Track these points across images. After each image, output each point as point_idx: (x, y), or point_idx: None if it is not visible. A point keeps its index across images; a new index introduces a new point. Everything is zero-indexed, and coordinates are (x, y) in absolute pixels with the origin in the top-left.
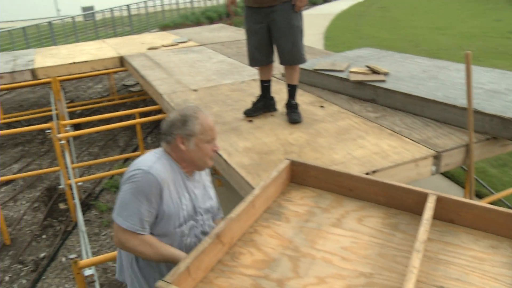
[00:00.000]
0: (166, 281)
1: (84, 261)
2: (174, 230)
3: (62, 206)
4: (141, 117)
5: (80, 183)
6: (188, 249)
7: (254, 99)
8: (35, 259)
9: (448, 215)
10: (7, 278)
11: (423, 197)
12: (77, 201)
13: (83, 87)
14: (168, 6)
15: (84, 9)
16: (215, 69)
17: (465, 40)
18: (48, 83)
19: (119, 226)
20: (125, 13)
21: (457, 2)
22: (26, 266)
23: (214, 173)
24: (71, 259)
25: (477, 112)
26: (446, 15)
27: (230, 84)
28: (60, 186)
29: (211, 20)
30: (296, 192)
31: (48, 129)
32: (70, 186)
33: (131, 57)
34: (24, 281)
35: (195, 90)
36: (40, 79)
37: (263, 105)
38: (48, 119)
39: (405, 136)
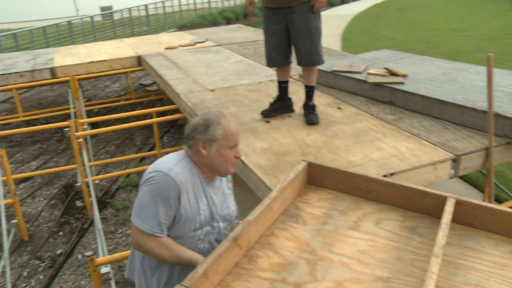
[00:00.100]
0: (184, 285)
1: (100, 258)
2: (189, 234)
3: (78, 203)
4: (158, 117)
5: (96, 181)
6: (200, 254)
7: (272, 100)
8: (52, 256)
9: (467, 219)
10: (25, 273)
11: (442, 200)
12: (93, 199)
13: (100, 86)
14: (186, 6)
15: (103, 8)
16: (232, 70)
17: (485, 42)
18: (67, 81)
19: (137, 228)
20: (143, 13)
21: (477, 3)
22: (44, 262)
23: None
24: (88, 256)
25: (497, 115)
26: (465, 17)
27: (247, 84)
28: (77, 184)
29: (228, 21)
30: (313, 194)
31: (66, 127)
32: (87, 184)
33: (148, 56)
34: (41, 277)
35: (212, 90)
36: (59, 77)
37: (280, 106)
38: (66, 117)
39: (423, 139)
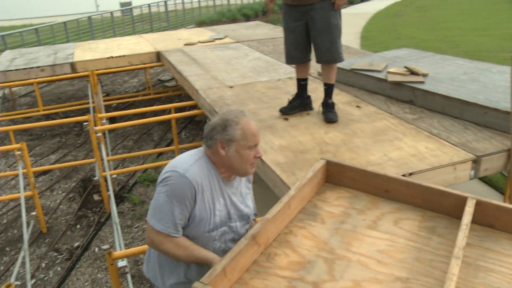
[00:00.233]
0: (203, 283)
1: (118, 252)
2: (204, 234)
3: (96, 197)
4: (176, 112)
5: (114, 176)
6: (216, 253)
7: (290, 97)
8: (69, 248)
9: (488, 220)
10: (43, 265)
11: (462, 200)
12: (111, 193)
13: (119, 81)
14: (205, 3)
15: (122, 4)
16: (251, 66)
17: (507, 41)
18: (86, 76)
19: (152, 227)
20: (162, 9)
21: (499, 2)
22: (61, 254)
23: None
24: (105, 250)
25: None
26: (487, 16)
27: (266, 81)
28: (95, 178)
29: (247, 17)
30: (331, 193)
31: (86, 121)
32: (104, 178)
33: (167, 52)
34: (59, 269)
35: (231, 87)
36: (78, 72)
37: (299, 104)
38: (85, 111)
39: (443, 139)
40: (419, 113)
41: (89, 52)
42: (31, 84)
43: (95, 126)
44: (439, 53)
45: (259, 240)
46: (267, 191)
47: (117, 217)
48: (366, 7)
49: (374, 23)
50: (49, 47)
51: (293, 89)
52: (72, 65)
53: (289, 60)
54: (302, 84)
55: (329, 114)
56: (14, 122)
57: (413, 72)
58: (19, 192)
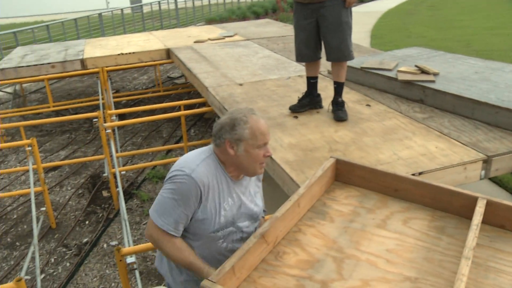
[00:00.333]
0: (211, 281)
1: (126, 249)
2: (208, 234)
3: (105, 193)
4: (185, 110)
5: (123, 172)
6: (222, 252)
7: (300, 95)
8: (78, 244)
9: (499, 220)
10: (52, 260)
11: (472, 200)
12: (120, 190)
13: (128, 78)
14: (214, 0)
15: (132, 1)
16: (261, 64)
17: None
18: (96, 73)
19: (153, 222)
20: (172, 6)
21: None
22: (70, 250)
23: None
24: (113, 246)
25: None
26: (500, 14)
27: (276, 79)
28: (104, 174)
29: (257, 15)
30: (340, 191)
31: (95, 117)
32: (113, 174)
33: (177, 49)
34: (68, 264)
35: (240, 84)
36: (89, 69)
37: (309, 102)
38: (94, 108)
39: (453, 139)
40: (430, 112)
41: (99, 48)
42: (42, 80)
43: (105, 122)
44: (450, 52)
45: (268, 238)
46: (276, 188)
47: (126, 213)
48: (376, 5)
49: (384, 21)
50: (60, 43)
51: (303, 87)
52: (82, 62)
53: (299, 58)
54: (312, 82)
55: (339, 112)
56: (24, 118)
57: (423, 71)
58: (29, 188)
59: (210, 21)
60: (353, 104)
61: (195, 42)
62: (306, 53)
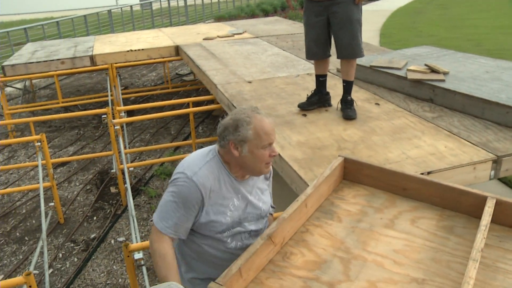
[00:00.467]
0: (218, 283)
1: (134, 245)
2: (215, 235)
3: (113, 189)
4: (194, 107)
5: (131, 169)
6: (231, 251)
7: (309, 93)
8: (86, 239)
9: (508, 220)
10: (60, 255)
11: (481, 200)
12: (128, 186)
13: (137, 75)
14: None
15: None
16: (270, 62)
17: None
18: (105, 69)
19: (154, 224)
20: (181, 3)
21: None
22: (78, 245)
23: None
24: (121, 242)
25: None
26: (510, 13)
27: (285, 77)
28: (112, 170)
29: (266, 13)
30: (348, 190)
31: (104, 114)
32: (122, 170)
33: (186, 46)
34: (75, 259)
35: (249, 82)
36: (98, 65)
37: (317, 100)
38: (103, 104)
39: (463, 138)
40: (439, 112)
41: (108, 45)
42: (51, 76)
43: (114, 119)
44: (460, 51)
45: (275, 239)
46: (284, 186)
47: (134, 209)
48: (386, 4)
49: (394, 20)
50: (69, 40)
51: (311, 85)
52: (92, 58)
53: (310, 56)
54: (321, 80)
55: (347, 111)
56: (34, 113)
57: (433, 70)
58: (38, 183)
59: (219, 18)
60: (362, 103)
61: (204, 39)
62: (316, 51)
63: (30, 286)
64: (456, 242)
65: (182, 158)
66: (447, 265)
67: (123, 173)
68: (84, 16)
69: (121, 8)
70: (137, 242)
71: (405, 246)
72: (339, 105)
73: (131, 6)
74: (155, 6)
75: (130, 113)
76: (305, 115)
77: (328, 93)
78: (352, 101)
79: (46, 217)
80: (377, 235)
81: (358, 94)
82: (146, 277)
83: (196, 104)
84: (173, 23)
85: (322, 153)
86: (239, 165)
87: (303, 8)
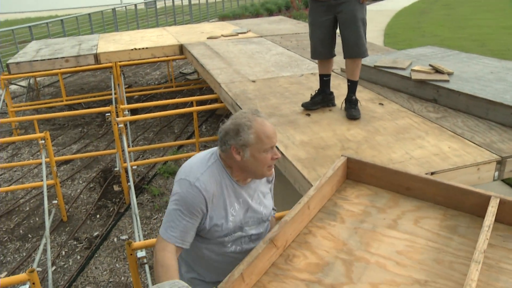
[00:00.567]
0: None
1: (137, 243)
2: (217, 239)
3: (116, 188)
4: (197, 105)
5: (134, 167)
6: (232, 255)
7: (313, 93)
8: (89, 237)
9: None
10: (63, 253)
11: (485, 199)
12: (131, 184)
13: (141, 73)
14: None
15: None
16: (274, 61)
17: None
18: (109, 67)
19: (160, 235)
20: (185, 2)
21: None
22: (81, 243)
23: None
24: (124, 240)
25: None
26: None
27: (289, 76)
28: (116, 169)
29: (270, 12)
30: (352, 190)
31: (108, 112)
32: (125, 169)
33: (190, 45)
34: (78, 257)
35: (253, 81)
36: (102, 63)
37: (321, 99)
38: (107, 103)
39: (467, 139)
40: (443, 112)
41: (112, 43)
42: (56, 74)
43: (117, 117)
44: (465, 51)
45: (277, 243)
46: (287, 186)
47: (137, 208)
48: (390, 4)
49: (398, 20)
50: (74, 38)
51: (315, 84)
52: (96, 56)
53: (315, 56)
54: (324, 79)
55: (351, 110)
56: (38, 111)
57: (438, 71)
58: (41, 181)
59: (223, 17)
60: (366, 103)
61: (208, 38)
62: (321, 51)
63: (33, 283)
64: (460, 242)
65: (186, 157)
66: (450, 266)
67: (126, 172)
68: (89, 14)
69: (125, 6)
70: (140, 240)
71: (408, 247)
72: (343, 105)
73: (135, 5)
74: (160, 4)
75: (133, 111)
76: (308, 114)
77: (332, 93)
78: (356, 100)
79: (49, 214)
80: (380, 236)
81: (362, 94)
82: (148, 275)
83: (200, 103)
84: (177, 22)
85: (325, 152)
86: (242, 169)
87: (307, 8)
